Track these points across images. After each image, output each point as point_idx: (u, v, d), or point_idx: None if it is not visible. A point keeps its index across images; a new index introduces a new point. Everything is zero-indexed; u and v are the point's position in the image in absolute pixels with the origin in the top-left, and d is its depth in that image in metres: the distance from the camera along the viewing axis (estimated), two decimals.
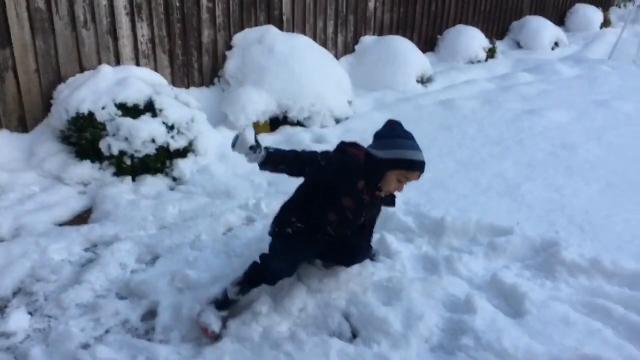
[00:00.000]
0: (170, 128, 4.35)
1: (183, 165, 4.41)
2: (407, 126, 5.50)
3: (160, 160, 4.32)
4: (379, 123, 5.62)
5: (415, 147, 2.58)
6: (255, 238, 3.54)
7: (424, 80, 7.38)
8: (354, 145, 2.70)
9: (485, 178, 4.33)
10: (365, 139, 5.13)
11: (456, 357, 2.53)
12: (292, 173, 2.61)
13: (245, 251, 3.37)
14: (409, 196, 4.02)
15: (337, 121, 5.76)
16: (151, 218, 3.79)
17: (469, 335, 2.63)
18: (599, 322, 2.69)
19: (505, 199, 3.98)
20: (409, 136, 2.62)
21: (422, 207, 3.81)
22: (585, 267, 3.09)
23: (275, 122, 5.60)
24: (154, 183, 4.29)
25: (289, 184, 4.26)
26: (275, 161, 2.49)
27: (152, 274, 3.19)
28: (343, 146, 2.70)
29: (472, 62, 8.59)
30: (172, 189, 4.36)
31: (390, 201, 2.78)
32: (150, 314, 2.95)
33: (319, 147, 4.96)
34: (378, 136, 2.66)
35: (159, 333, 2.78)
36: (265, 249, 3.31)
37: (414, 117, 5.83)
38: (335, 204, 2.69)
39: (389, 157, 2.53)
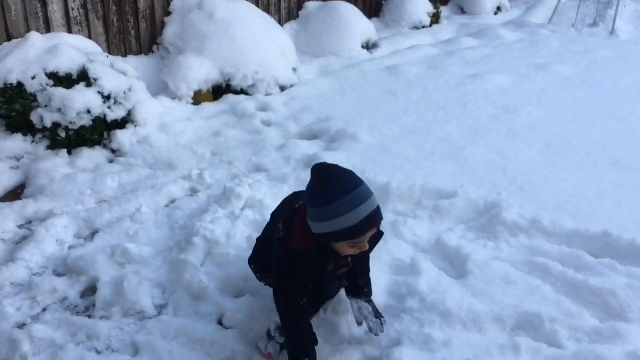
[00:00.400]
0: (107, 98, 4.18)
1: (122, 137, 4.25)
2: (352, 92, 5.53)
3: (97, 132, 4.15)
4: (324, 90, 5.65)
5: (352, 204, 1.93)
6: (199, 209, 3.46)
7: (369, 46, 7.33)
8: (297, 228, 2.17)
9: (430, 142, 4.35)
10: (310, 106, 5.13)
11: (401, 319, 2.56)
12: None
13: (188, 222, 3.29)
14: (354, 162, 4.00)
15: (282, 88, 5.66)
16: (89, 192, 3.65)
17: (414, 297, 2.66)
18: (538, 279, 2.77)
19: (449, 163, 4.01)
20: (341, 190, 1.95)
21: (367, 172, 3.80)
22: (525, 226, 3.16)
23: (218, 91, 5.45)
24: (91, 155, 4.13)
25: (233, 155, 4.22)
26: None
27: (90, 249, 3.09)
28: (292, 250, 2.15)
29: (416, 28, 8.57)
30: (110, 161, 4.20)
31: (375, 240, 2.30)
32: (90, 290, 2.86)
33: (264, 115, 4.90)
34: (308, 201, 2.06)
35: (100, 309, 2.71)
36: (208, 220, 3.26)
37: (359, 83, 5.80)
38: (325, 276, 2.33)
39: (326, 232, 2.00)
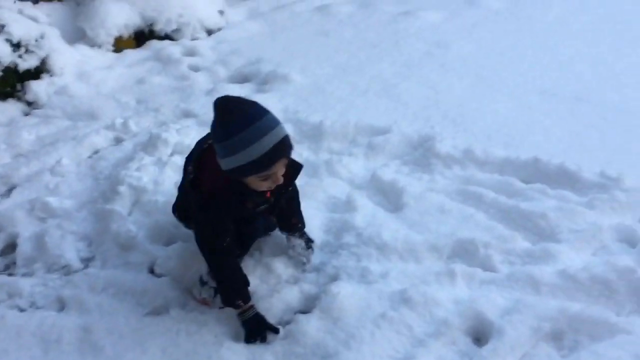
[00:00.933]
0: (17, 46, 3.89)
1: (37, 88, 3.98)
2: (283, 34, 5.37)
3: (8, 84, 3.87)
4: (253, 33, 5.46)
5: (256, 136, 1.80)
6: (125, 158, 3.30)
7: None
8: (207, 168, 2.05)
9: (364, 80, 4.28)
10: (239, 50, 4.96)
11: (339, 255, 2.53)
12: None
13: (113, 172, 3.13)
14: (287, 103, 3.90)
15: (209, 33, 5.43)
16: (4, 146, 3.43)
17: (351, 232, 2.64)
18: (472, 207, 2.78)
19: (383, 100, 3.96)
20: (244, 122, 1.82)
21: (300, 113, 3.71)
22: (459, 157, 3.16)
23: (141, 37, 5.17)
24: (5, 109, 3.86)
25: (159, 102, 4.04)
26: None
27: (8, 205, 2.91)
28: (205, 192, 2.05)
29: None
30: (26, 114, 3.95)
31: (294, 174, 2.20)
32: (10, 248, 2.71)
33: (191, 61, 4.71)
34: (213, 137, 1.95)
35: (21, 266, 2.57)
36: (134, 168, 3.11)
37: (289, 25, 5.62)
38: (245, 213, 2.21)
39: (233, 167, 1.87)
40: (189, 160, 2.20)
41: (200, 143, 2.17)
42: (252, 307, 2.18)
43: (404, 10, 5.86)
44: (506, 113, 3.71)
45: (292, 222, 2.46)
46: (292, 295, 2.34)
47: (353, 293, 2.27)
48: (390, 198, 2.95)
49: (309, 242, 2.51)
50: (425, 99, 3.95)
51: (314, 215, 2.75)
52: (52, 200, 2.85)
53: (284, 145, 1.88)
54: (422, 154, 3.24)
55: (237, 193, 2.01)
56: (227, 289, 2.17)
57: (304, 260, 2.46)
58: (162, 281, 2.41)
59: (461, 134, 3.45)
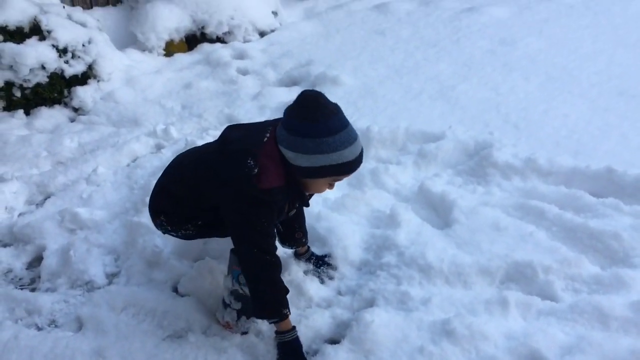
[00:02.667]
0: (63, 52, 3.86)
1: (83, 94, 3.95)
2: (337, 35, 5.15)
3: (55, 90, 3.85)
4: (307, 34, 5.26)
5: (347, 140, 1.79)
6: (162, 166, 3.16)
7: None
8: (271, 164, 1.86)
9: (418, 82, 4.00)
10: (290, 51, 4.77)
11: (377, 277, 2.29)
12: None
13: (148, 181, 3.00)
14: None
15: (262, 34, 5.30)
16: (45, 154, 3.39)
17: (392, 251, 2.39)
18: (532, 224, 2.47)
19: (438, 103, 3.67)
20: (339, 124, 1.79)
21: (347, 118, 3.47)
22: (520, 167, 2.84)
23: (193, 40, 5.10)
24: (51, 115, 3.84)
25: (204, 107, 3.91)
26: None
27: (39, 216, 2.84)
28: (266, 189, 1.83)
29: None
30: (72, 120, 3.92)
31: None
32: (38, 261, 2.62)
33: (241, 64, 4.58)
34: (293, 128, 1.81)
35: (45, 281, 2.48)
36: None
37: (345, 24, 5.40)
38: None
39: (316, 166, 1.81)
40: (246, 151, 1.88)
41: (257, 132, 1.93)
42: (294, 328, 1.98)
43: (468, 7, 5.52)
44: (577, 117, 3.33)
45: (296, 236, 2.34)
46: (322, 320, 2.13)
47: (389, 322, 2.03)
48: (439, 212, 2.67)
49: (318, 260, 2.42)
50: (485, 101, 3.63)
51: (354, 231, 2.52)
52: (82, 211, 2.75)
53: (362, 156, 1.91)
54: (478, 162, 2.94)
55: (292, 193, 1.96)
56: (274, 297, 1.93)
57: (327, 277, 2.37)
58: (185, 301, 2.24)
59: (524, 141, 3.12)
